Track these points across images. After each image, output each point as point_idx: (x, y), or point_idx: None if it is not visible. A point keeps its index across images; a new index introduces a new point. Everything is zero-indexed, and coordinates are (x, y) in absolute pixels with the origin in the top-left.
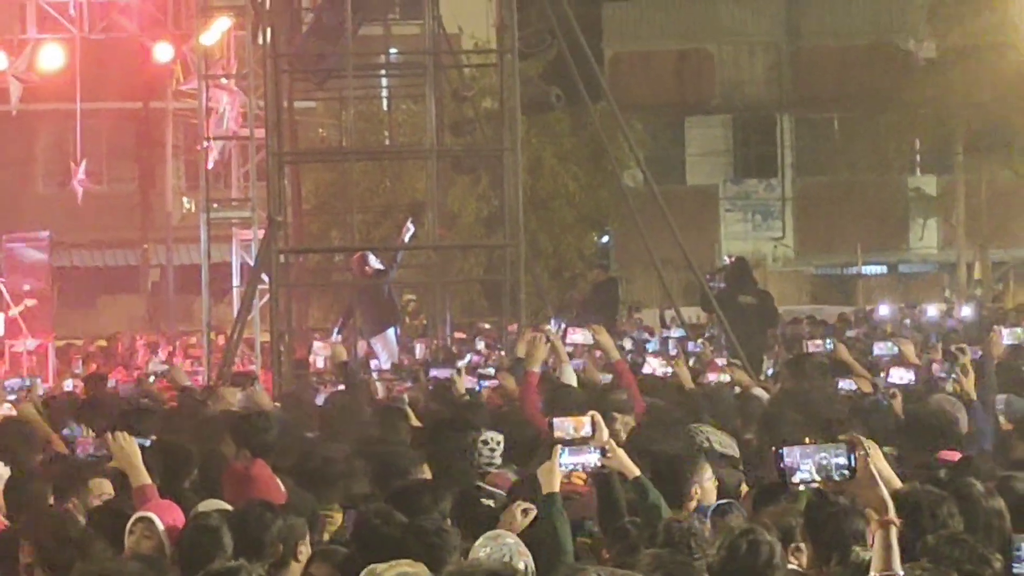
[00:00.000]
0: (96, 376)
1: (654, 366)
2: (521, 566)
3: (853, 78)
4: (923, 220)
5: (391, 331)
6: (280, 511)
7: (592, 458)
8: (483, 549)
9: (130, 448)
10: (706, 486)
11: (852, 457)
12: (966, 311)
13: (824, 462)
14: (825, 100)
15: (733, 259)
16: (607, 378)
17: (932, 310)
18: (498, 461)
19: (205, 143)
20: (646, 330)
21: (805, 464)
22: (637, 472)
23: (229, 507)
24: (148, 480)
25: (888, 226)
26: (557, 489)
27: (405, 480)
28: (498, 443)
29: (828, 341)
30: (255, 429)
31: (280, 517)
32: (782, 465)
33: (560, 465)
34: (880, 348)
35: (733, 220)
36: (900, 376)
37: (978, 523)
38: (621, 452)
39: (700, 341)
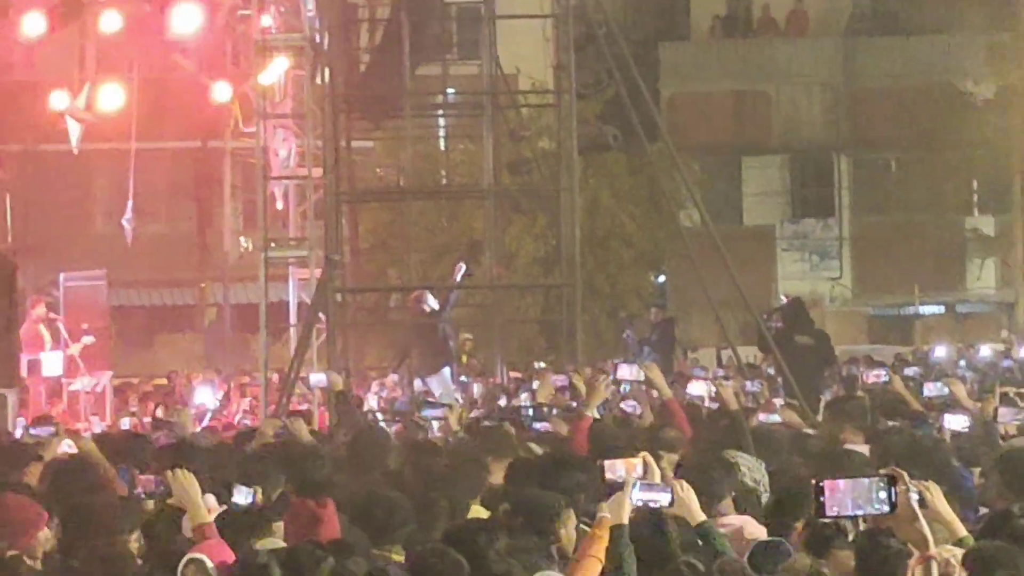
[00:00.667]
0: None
1: (699, 390)
2: None
3: (910, 119)
4: (981, 260)
5: (446, 370)
6: (331, 551)
7: (664, 497)
8: None
9: (189, 485)
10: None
11: (893, 491)
12: (1021, 352)
13: (865, 496)
14: (882, 140)
15: (790, 299)
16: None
17: (986, 350)
18: None
19: (263, 182)
20: (702, 369)
21: (846, 498)
22: (703, 516)
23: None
24: (208, 518)
25: (945, 266)
26: (625, 521)
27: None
28: None
29: (885, 372)
30: (312, 467)
31: (329, 557)
32: (822, 498)
33: (631, 500)
34: (930, 389)
35: (790, 260)
36: (958, 423)
37: None
38: (691, 495)
39: (758, 381)
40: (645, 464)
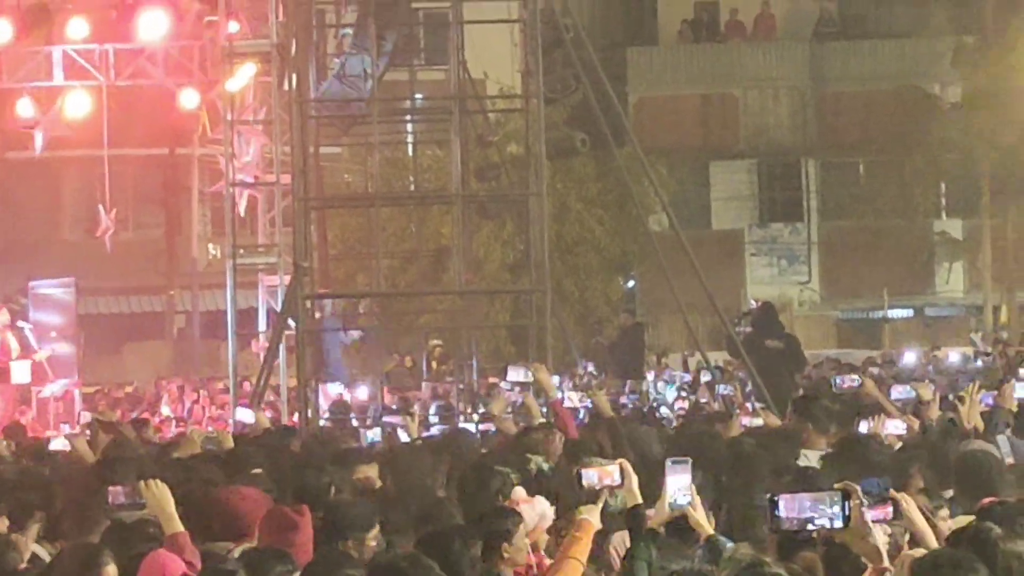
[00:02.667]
0: (139, 422)
1: (572, 399)
2: None
3: (878, 122)
4: (949, 264)
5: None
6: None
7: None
8: None
9: (163, 496)
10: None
11: (847, 505)
12: (989, 355)
13: (818, 510)
14: (850, 144)
15: (759, 304)
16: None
17: (955, 355)
18: None
19: (231, 189)
20: (672, 380)
21: (800, 511)
22: (711, 531)
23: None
24: (180, 528)
25: (914, 270)
26: (657, 526)
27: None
28: None
29: (857, 377)
30: (310, 476)
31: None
32: (777, 511)
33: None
34: (898, 391)
35: (759, 264)
36: (893, 428)
37: (997, 568)
38: (701, 509)
39: (731, 384)
40: (622, 470)
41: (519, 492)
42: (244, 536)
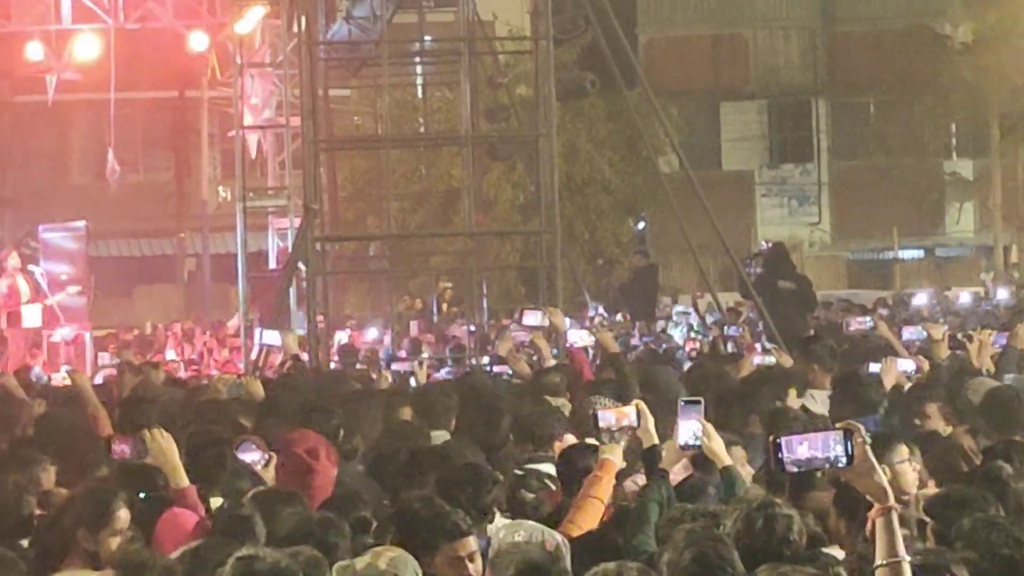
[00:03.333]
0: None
1: (581, 337)
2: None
3: (888, 62)
4: (959, 204)
5: None
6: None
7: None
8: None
9: (168, 447)
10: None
11: (850, 444)
12: (1002, 294)
13: (822, 449)
14: (860, 84)
15: (771, 244)
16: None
17: (965, 295)
18: None
19: (240, 131)
20: (679, 321)
21: (803, 452)
22: (729, 460)
23: None
24: (187, 482)
25: (924, 210)
26: (669, 467)
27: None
28: None
29: (869, 319)
30: (323, 417)
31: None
32: (780, 454)
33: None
34: (909, 332)
35: (769, 205)
36: (904, 366)
37: (1008, 505)
38: (716, 438)
39: (739, 325)
40: (638, 411)
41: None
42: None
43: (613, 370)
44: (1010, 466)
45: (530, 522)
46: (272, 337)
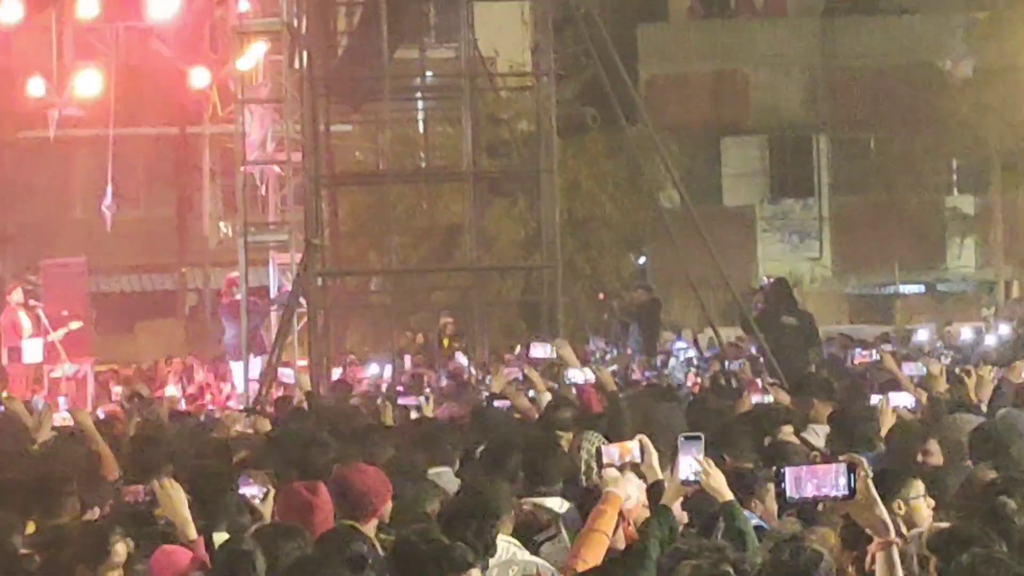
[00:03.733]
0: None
1: (577, 375)
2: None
3: (889, 98)
4: (960, 239)
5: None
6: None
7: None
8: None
9: (178, 498)
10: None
11: (853, 477)
12: (1003, 330)
13: (825, 481)
14: (861, 120)
15: (773, 280)
16: None
17: (967, 331)
18: None
19: (242, 168)
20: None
21: (806, 483)
22: (730, 496)
23: None
24: (195, 535)
25: (925, 245)
26: (670, 503)
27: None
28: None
29: (875, 352)
30: (317, 452)
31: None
32: (783, 484)
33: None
34: (909, 368)
35: (770, 241)
36: (901, 400)
37: (1011, 541)
38: (717, 474)
39: (741, 362)
40: (642, 446)
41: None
42: (373, 514)
43: (609, 409)
44: (1013, 502)
45: (524, 557)
46: (287, 375)
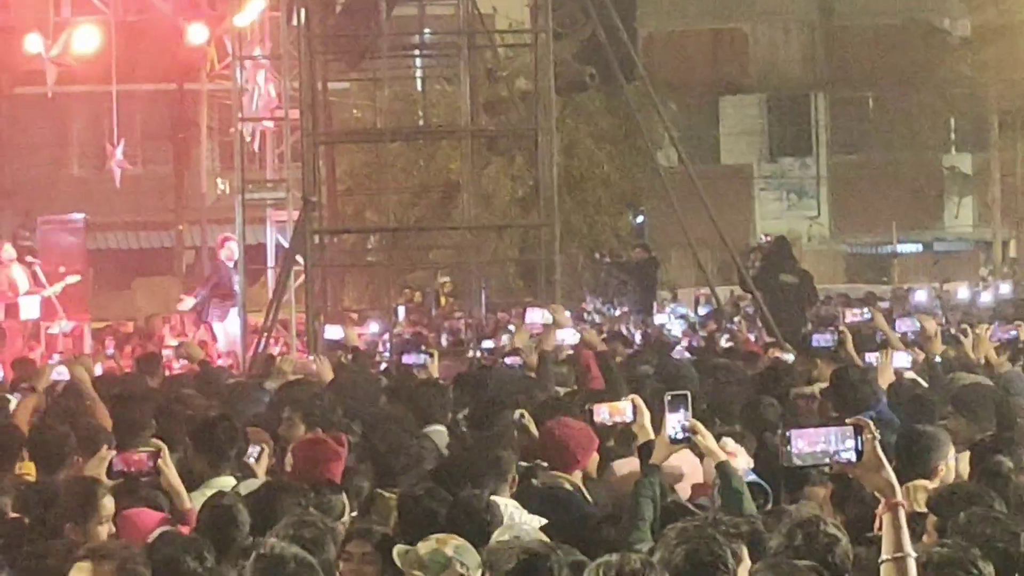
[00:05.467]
0: (149, 357)
1: (565, 335)
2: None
3: (887, 57)
4: (958, 198)
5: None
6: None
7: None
8: (500, 538)
9: (172, 468)
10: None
11: (859, 440)
12: (1004, 289)
13: (831, 444)
14: (859, 79)
15: (772, 238)
16: None
17: (963, 290)
18: None
19: (239, 125)
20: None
21: (812, 446)
22: (723, 456)
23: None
24: (190, 504)
25: (923, 204)
26: (659, 461)
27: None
28: None
29: (866, 310)
30: (316, 403)
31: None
32: (788, 446)
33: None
34: (904, 324)
35: (768, 199)
36: (900, 361)
37: (1009, 500)
38: (708, 434)
39: (737, 319)
40: (634, 406)
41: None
42: (576, 464)
43: (599, 368)
44: (1009, 460)
45: (523, 526)
46: (335, 332)
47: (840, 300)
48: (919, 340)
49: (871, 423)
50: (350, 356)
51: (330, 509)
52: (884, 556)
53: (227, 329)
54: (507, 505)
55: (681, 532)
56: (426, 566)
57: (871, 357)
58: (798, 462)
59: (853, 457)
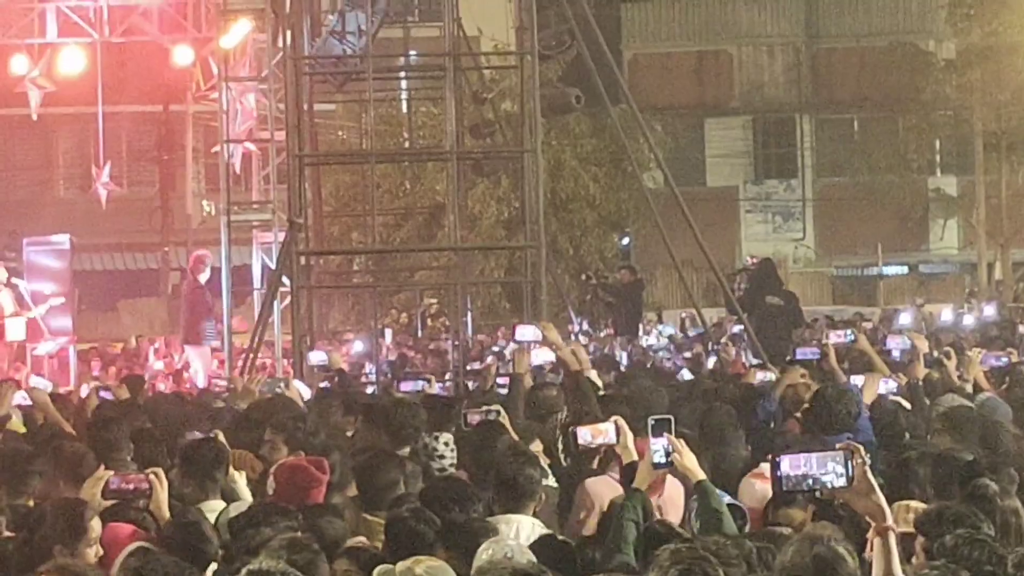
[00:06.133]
0: (134, 378)
1: (540, 355)
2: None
3: (872, 79)
4: (943, 220)
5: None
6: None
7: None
8: (485, 552)
9: (165, 491)
10: None
11: (850, 465)
12: (988, 311)
13: (821, 469)
14: (845, 101)
15: (757, 260)
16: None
17: (947, 312)
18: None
19: (225, 146)
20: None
21: (803, 470)
22: (702, 475)
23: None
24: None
25: (908, 227)
26: (643, 486)
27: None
28: (445, 444)
29: (850, 332)
30: (298, 426)
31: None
32: (779, 472)
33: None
34: (895, 342)
35: (753, 221)
36: (886, 386)
37: (995, 522)
38: (689, 454)
39: (724, 340)
40: (617, 427)
41: None
42: None
43: (572, 389)
44: (995, 484)
45: (511, 540)
46: (319, 357)
47: (825, 322)
48: (905, 359)
49: (861, 448)
50: (335, 378)
51: (321, 532)
52: None
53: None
54: (521, 522)
55: (674, 554)
56: None
57: (857, 379)
58: (788, 485)
59: (843, 482)
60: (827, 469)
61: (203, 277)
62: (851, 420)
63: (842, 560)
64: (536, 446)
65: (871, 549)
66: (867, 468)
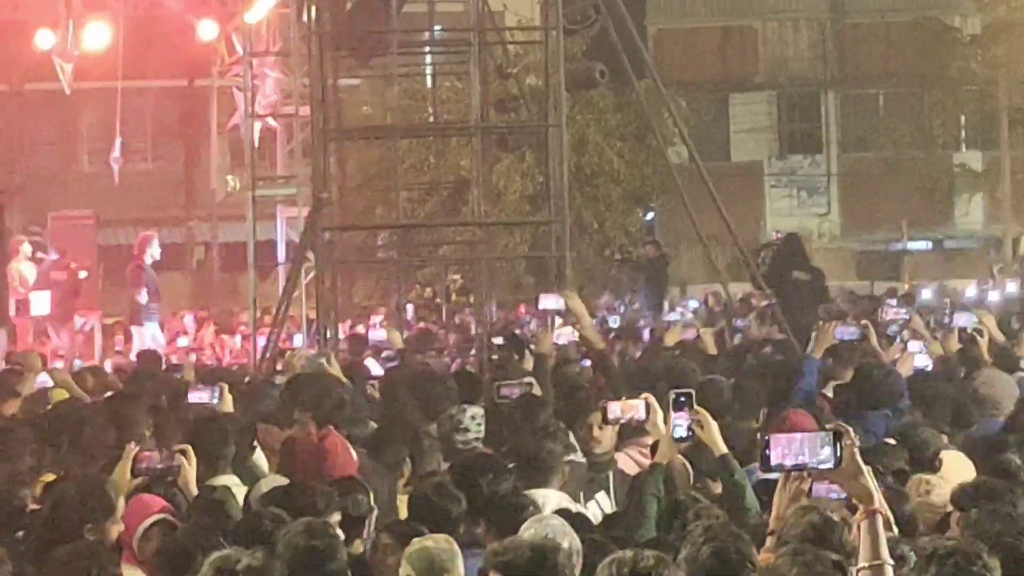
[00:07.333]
0: (149, 353)
1: (562, 333)
2: (565, 544)
3: (898, 54)
4: (968, 195)
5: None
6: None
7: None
8: (527, 532)
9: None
10: None
11: (839, 446)
12: (1011, 287)
13: (810, 450)
14: (870, 76)
15: (782, 235)
16: None
17: (971, 289)
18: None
19: (249, 121)
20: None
21: (791, 451)
22: (725, 449)
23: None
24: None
25: (933, 202)
26: (664, 460)
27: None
28: (472, 417)
29: (856, 330)
30: (327, 397)
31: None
32: (767, 451)
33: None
34: (963, 320)
35: (778, 196)
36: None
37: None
38: (713, 426)
39: (750, 317)
40: (647, 404)
41: None
42: None
43: (597, 367)
44: (1017, 458)
45: (554, 519)
46: (380, 334)
47: (848, 298)
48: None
49: (850, 430)
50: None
51: (356, 506)
52: (861, 563)
53: (154, 334)
54: (548, 496)
55: (707, 530)
56: (412, 563)
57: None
58: (776, 466)
59: (831, 464)
60: (815, 451)
61: (148, 257)
62: (897, 398)
63: (835, 526)
64: None
65: (856, 532)
66: (856, 450)
